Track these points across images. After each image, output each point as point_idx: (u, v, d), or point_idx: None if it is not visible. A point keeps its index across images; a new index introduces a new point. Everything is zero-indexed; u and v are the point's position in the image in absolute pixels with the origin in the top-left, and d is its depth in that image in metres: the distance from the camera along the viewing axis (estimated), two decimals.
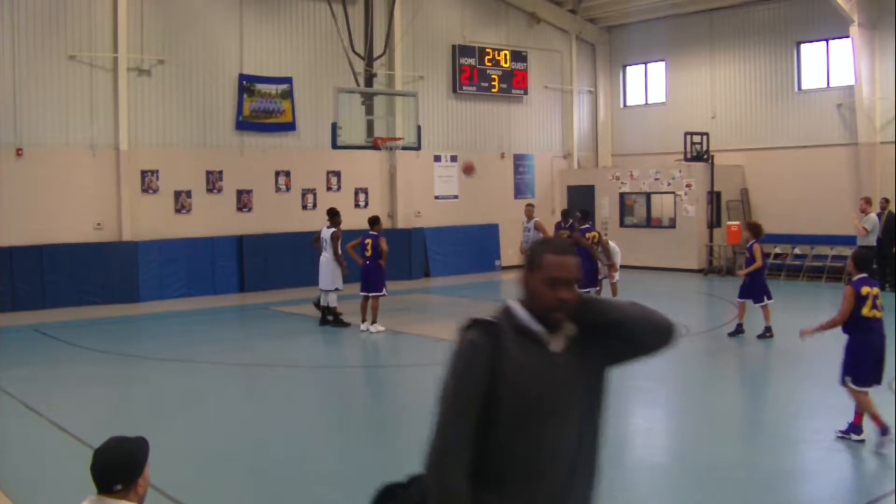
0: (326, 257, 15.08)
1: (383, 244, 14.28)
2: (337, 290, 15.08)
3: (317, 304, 15.36)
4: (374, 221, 14.71)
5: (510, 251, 23.78)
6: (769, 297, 13.21)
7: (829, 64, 22.25)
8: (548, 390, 2.83)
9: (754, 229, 13.53)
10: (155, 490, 6.36)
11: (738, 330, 13.38)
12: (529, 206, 18.52)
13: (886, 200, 18.00)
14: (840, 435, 7.94)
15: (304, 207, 21.31)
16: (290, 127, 21.03)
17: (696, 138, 22.46)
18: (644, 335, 2.91)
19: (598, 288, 15.39)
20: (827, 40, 22.15)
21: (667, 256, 23.05)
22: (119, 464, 3.17)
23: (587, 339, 2.92)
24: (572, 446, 2.90)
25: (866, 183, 20.66)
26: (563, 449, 2.87)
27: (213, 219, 19.86)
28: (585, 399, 2.94)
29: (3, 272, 17.05)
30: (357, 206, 21.93)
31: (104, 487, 3.16)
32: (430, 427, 2.88)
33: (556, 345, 2.88)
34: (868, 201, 17.14)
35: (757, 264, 13.09)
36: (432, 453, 2.86)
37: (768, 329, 13.12)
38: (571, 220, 17.41)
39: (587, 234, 14.75)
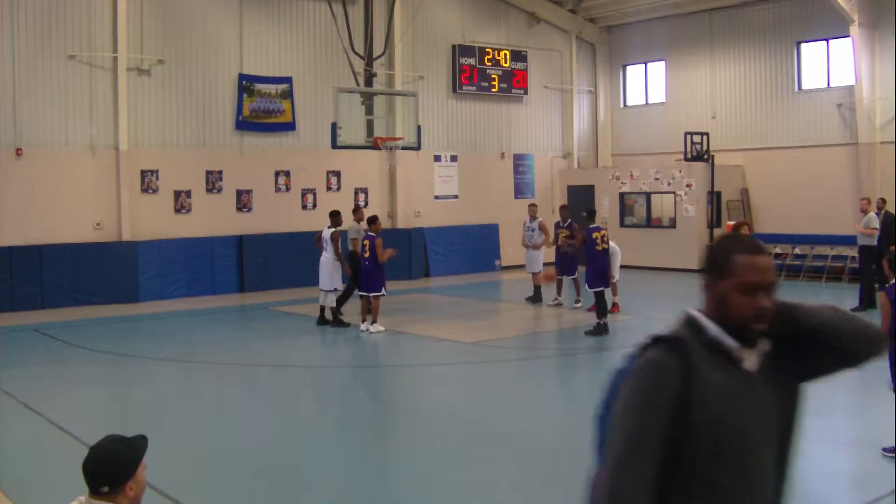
0: (326, 257, 15.09)
1: (379, 249, 14.24)
2: (336, 290, 15.10)
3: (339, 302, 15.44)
4: (371, 221, 14.73)
5: (510, 251, 23.76)
6: None
7: (829, 64, 22.25)
8: (747, 415, 2.46)
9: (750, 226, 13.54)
10: (154, 490, 6.36)
11: None
12: (533, 206, 18.48)
13: (883, 200, 18.04)
14: (887, 454, 7.35)
15: (304, 207, 21.32)
16: (290, 127, 21.03)
17: (696, 138, 22.45)
18: (851, 343, 2.51)
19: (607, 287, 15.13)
20: (827, 40, 22.16)
21: (667, 256, 23.05)
22: (107, 465, 3.03)
23: (781, 352, 2.54)
24: (771, 476, 2.54)
25: (866, 183, 20.67)
26: (762, 480, 2.51)
27: (212, 219, 19.85)
28: (782, 421, 2.57)
29: (3, 272, 17.04)
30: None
31: (92, 488, 3.04)
32: (602, 463, 2.47)
33: (750, 361, 2.50)
34: (870, 202, 17.13)
35: None
36: (610, 496, 2.39)
37: None
38: (570, 220, 17.40)
39: (594, 234, 14.34)
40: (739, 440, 2.44)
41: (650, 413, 2.39)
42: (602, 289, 13.88)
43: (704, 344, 2.48)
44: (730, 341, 2.47)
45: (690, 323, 2.54)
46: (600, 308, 13.78)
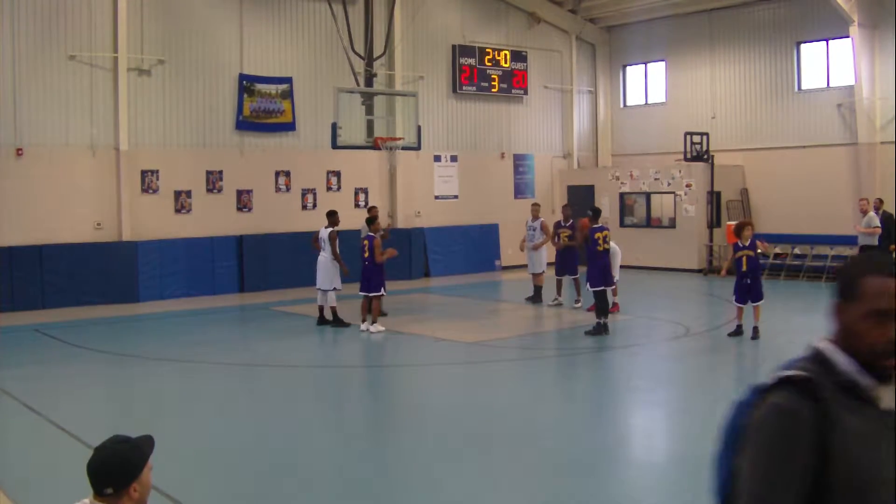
0: (325, 257, 15.10)
1: (377, 250, 14.29)
2: (335, 289, 15.09)
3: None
4: (371, 221, 14.74)
5: (510, 251, 23.77)
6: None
7: (829, 64, 22.25)
8: (888, 463, 2.15)
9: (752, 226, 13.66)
10: (155, 489, 6.35)
11: (738, 331, 13.36)
12: (535, 205, 18.45)
13: (881, 201, 18.05)
14: None
15: (304, 207, 21.32)
16: (290, 127, 21.03)
17: (696, 138, 22.46)
18: None
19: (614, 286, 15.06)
20: (827, 40, 22.16)
21: (667, 256, 23.06)
22: (110, 466, 2.98)
23: None
24: None
25: (866, 183, 20.67)
26: None
27: (213, 219, 19.86)
28: None
29: (3, 272, 17.05)
30: (357, 206, 21.94)
31: (95, 489, 2.99)
32: None
33: (888, 399, 2.17)
34: (868, 202, 17.16)
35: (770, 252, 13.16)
36: None
37: (757, 329, 13.16)
38: (572, 220, 17.38)
39: (596, 234, 14.19)
40: (881, 491, 2.14)
41: (781, 469, 2.11)
42: (603, 288, 13.81)
43: (836, 382, 2.17)
44: (864, 379, 2.17)
45: (819, 358, 2.23)
46: (601, 308, 13.74)
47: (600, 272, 13.83)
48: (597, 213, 14.96)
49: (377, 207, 16.84)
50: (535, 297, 17.55)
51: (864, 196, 18.01)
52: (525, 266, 18.43)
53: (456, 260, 23.32)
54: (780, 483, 2.11)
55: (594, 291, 13.88)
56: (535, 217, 17.92)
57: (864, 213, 16.62)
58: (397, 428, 9.14)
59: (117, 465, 2.99)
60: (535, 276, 17.61)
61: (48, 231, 17.86)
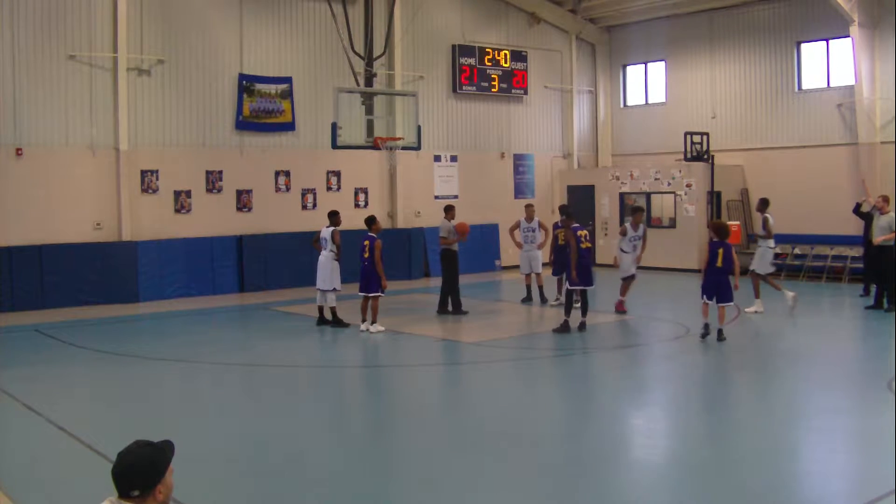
0: (325, 256, 15.08)
1: (378, 252, 14.30)
2: (335, 290, 15.08)
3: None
4: (370, 222, 14.71)
5: (510, 251, 23.72)
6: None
7: (829, 64, 22.26)
8: None
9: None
10: None
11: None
12: (530, 206, 18.37)
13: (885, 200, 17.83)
14: None
15: (304, 207, 21.33)
16: (289, 127, 21.04)
17: (696, 138, 22.46)
18: None
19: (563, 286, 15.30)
20: (827, 40, 22.17)
21: (667, 256, 23.04)
22: (137, 470, 3.13)
23: None
24: None
25: (866, 183, 20.64)
26: None
27: (212, 219, 19.87)
28: None
29: (3, 272, 17.06)
30: (357, 206, 21.95)
31: (122, 491, 3.14)
32: None
33: None
34: (887, 199, 16.76)
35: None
36: None
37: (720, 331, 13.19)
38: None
39: (556, 231, 14.39)
40: None
41: None
42: (571, 288, 13.98)
43: None
44: None
45: None
46: (566, 306, 14.03)
47: (562, 270, 14.07)
48: (561, 211, 15.24)
49: (454, 208, 17.06)
50: (542, 297, 17.66)
51: (883, 193, 17.49)
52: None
53: None
54: None
55: (564, 290, 14.12)
56: (531, 218, 17.89)
57: (883, 212, 16.17)
58: (397, 428, 9.13)
59: (144, 467, 3.15)
60: (538, 275, 17.67)
61: (48, 231, 17.86)
